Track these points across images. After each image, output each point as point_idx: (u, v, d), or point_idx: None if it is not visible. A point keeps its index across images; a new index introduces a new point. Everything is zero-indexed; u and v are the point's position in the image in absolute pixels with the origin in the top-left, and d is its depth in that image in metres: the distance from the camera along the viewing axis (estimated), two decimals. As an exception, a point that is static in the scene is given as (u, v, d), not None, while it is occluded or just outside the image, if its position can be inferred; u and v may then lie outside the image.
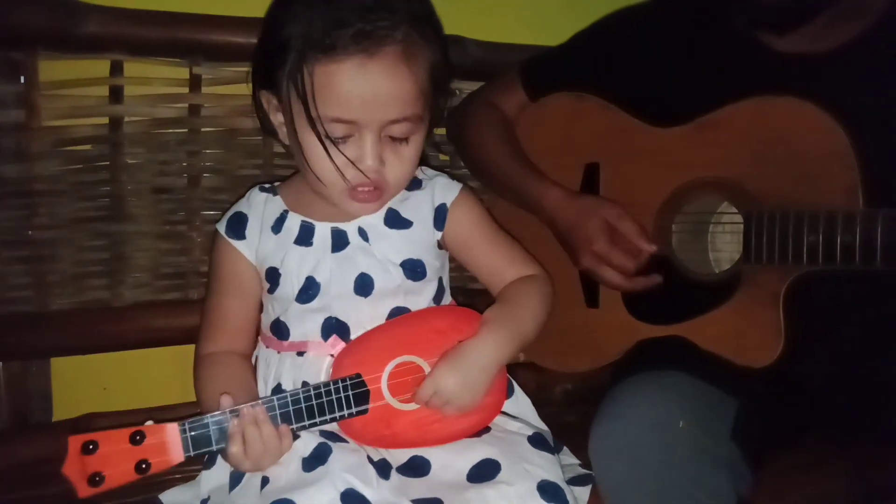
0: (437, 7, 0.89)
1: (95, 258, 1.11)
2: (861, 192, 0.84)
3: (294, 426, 0.75)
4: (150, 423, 0.72)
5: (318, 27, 0.76)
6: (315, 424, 0.76)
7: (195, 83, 1.12)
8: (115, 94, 1.08)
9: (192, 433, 0.72)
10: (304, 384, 0.82)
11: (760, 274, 0.91)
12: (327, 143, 0.78)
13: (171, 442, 0.72)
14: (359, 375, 0.78)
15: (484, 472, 0.77)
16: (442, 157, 1.30)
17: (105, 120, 1.09)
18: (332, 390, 0.77)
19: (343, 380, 0.77)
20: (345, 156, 0.79)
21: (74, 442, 0.71)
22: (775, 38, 0.95)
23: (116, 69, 1.07)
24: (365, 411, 0.78)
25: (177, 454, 0.72)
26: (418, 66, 0.79)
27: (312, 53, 0.76)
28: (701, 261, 1.03)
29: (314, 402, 0.76)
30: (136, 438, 0.71)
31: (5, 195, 1.04)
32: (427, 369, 0.81)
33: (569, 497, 0.78)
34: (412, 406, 0.80)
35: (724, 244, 1.01)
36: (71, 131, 1.07)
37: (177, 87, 1.12)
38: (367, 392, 0.78)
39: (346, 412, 0.77)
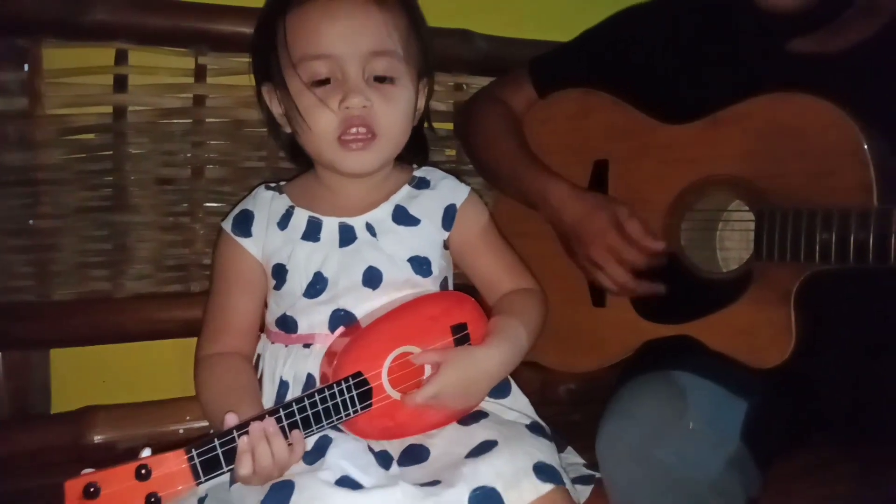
0: (446, 1, 0.89)
1: (97, 248, 1.10)
2: (875, 189, 0.83)
3: (302, 434, 0.73)
4: (147, 451, 0.66)
5: None
6: (322, 429, 0.75)
7: (200, 73, 1.11)
8: (120, 83, 1.07)
9: (201, 458, 0.67)
10: (309, 376, 0.82)
11: (772, 272, 0.90)
12: (311, 86, 0.81)
13: (178, 471, 0.67)
14: (360, 373, 0.77)
15: (481, 450, 0.76)
16: (448, 152, 1.29)
17: (109, 109, 1.08)
18: (336, 392, 0.75)
19: (346, 380, 0.76)
20: (323, 101, 0.81)
21: (73, 487, 0.63)
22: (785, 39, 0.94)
23: (121, 58, 1.07)
24: (369, 407, 0.77)
25: (187, 482, 0.67)
26: (389, 8, 0.82)
27: (287, 7, 0.81)
28: (710, 259, 1.01)
29: (320, 407, 0.74)
30: (142, 473, 0.65)
31: (8, 184, 1.03)
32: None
33: (565, 479, 0.76)
34: None
35: (734, 242, 1.00)
36: (75, 120, 1.06)
37: (182, 76, 1.11)
38: (371, 389, 0.77)
39: (351, 411, 0.76)
